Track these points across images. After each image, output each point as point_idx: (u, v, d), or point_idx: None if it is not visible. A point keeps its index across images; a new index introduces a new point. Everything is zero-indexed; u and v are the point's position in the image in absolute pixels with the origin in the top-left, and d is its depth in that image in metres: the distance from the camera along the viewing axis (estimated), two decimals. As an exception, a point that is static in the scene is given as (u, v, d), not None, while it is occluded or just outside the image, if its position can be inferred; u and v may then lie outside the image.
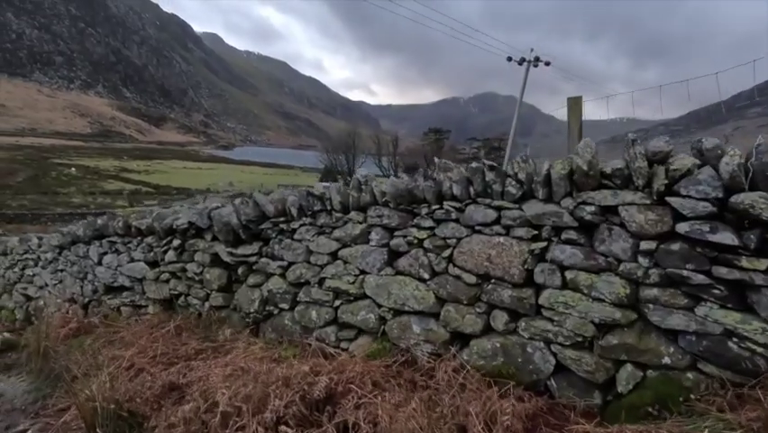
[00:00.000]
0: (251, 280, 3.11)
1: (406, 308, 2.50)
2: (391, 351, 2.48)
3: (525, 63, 15.95)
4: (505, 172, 2.24)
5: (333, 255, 2.77)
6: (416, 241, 2.49)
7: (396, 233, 2.58)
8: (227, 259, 3.20)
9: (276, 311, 3.00)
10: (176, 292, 3.54)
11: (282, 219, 2.94)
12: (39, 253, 4.77)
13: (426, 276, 2.46)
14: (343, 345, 2.71)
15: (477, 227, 2.29)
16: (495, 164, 2.26)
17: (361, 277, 2.66)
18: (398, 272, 2.57)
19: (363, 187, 2.69)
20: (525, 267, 2.13)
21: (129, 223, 3.79)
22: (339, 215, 2.76)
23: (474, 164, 2.34)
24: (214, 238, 3.29)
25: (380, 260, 2.61)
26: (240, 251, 3.11)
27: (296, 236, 2.90)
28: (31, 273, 4.90)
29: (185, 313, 3.48)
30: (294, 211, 2.87)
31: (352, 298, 2.69)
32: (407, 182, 2.53)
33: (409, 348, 2.44)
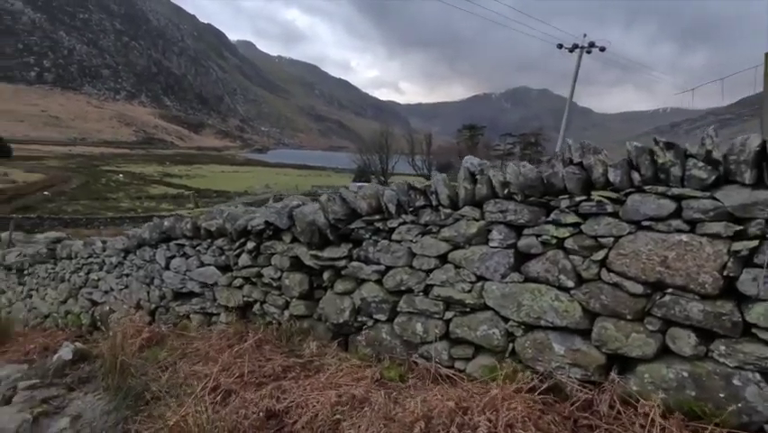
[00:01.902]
0: (340, 286, 2.74)
1: (543, 323, 2.04)
2: (525, 375, 2.04)
3: (578, 50, 14.99)
4: (685, 151, 1.74)
5: (442, 258, 2.36)
6: (553, 240, 2.03)
7: (525, 231, 2.12)
8: (310, 263, 2.85)
9: (370, 323, 2.62)
10: (250, 299, 3.24)
11: (377, 217, 2.55)
12: (103, 256, 4.64)
13: (570, 284, 1.99)
14: (458, 364, 2.29)
15: (644, 223, 1.81)
16: (672, 142, 1.76)
17: (480, 284, 2.23)
18: (529, 279, 2.12)
19: (478, 177, 2.26)
20: (724, 273, 1.63)
21: (198, 224, 3.53)
22: (448, 211, 2.34)
23: (636, 144, 1.86)
24: (294, 240, 2.96)
25: (505, 264, 2.16)
26: (326, 254, 2.75)
27: (394, 237, 2.50)
28: (96, 278, 4.78)
29: (261, 322, 3.16)
30: (392, 208, 2.48)
31: (467, 309, 2.26)
32: (540, 169, 2.08)
33: (551, 373, 1.98)
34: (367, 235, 2.60)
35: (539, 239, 2.07)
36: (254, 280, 3.21)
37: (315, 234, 2.76)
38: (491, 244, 2.21)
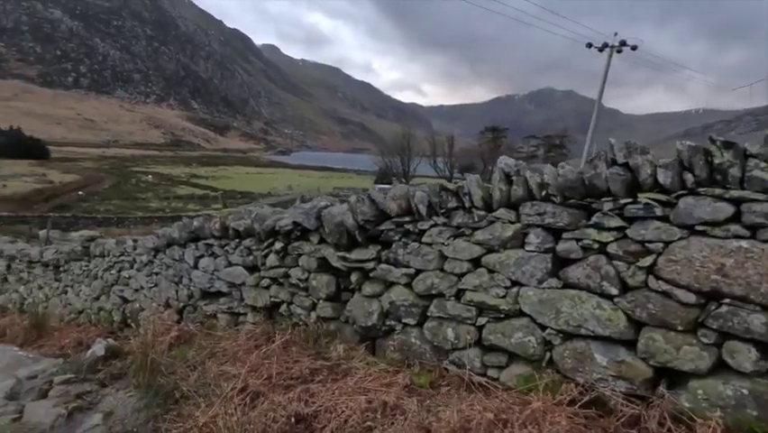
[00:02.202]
0: (368, 289, 2.69)
1: (583, 332, 1.94)
2: (563, 386, 1.94)
3: (608, 49, 14.54)
4: (745, 151, 1.62)
5: (475, 262, 2.28)
6: (595, 245, 1.93)
7: (564, 235, 2.03)
8: (337, 264, 2.82)
9: (399, 327, 2.56)
10: (277, 300, 3.23)
11: (407, 219, 2.49)
12: (134, 255, 4.74)
13: (613, 291, 1.88)
14: (491, 372, 2.20)
15: (698, 227, 1.69)
16: (731, 141, 1.64)
17: (515, 290, 2.14)
18: (569, 285, 2.02)
19: (514, 178, 2.17)
20: (791, 283, 1.50)
21: (226, 224, 3.55)
22: (481, 213, 2.26)
23: (688, 143, 1.74)
24: (322, 241, 2.93)
25: (542, 269, 2.07)
26: (354, 255, 2.71)
27: (425, 239, 2.43)
28: (127, 276, 4.89)
29: (288, 323, 3.15)
30: (422, 209, 2.41)
31: (502, 315, 2.17)
32: (581, 170, 1.98)
33: (593, 385, 1.88)
34: (396, 237, 2.55)
35: (579, 243, 1.97)
36: (281, 280, 3.19)
37: (343, 236, 2.72)
38: (528, 248, 2.12)
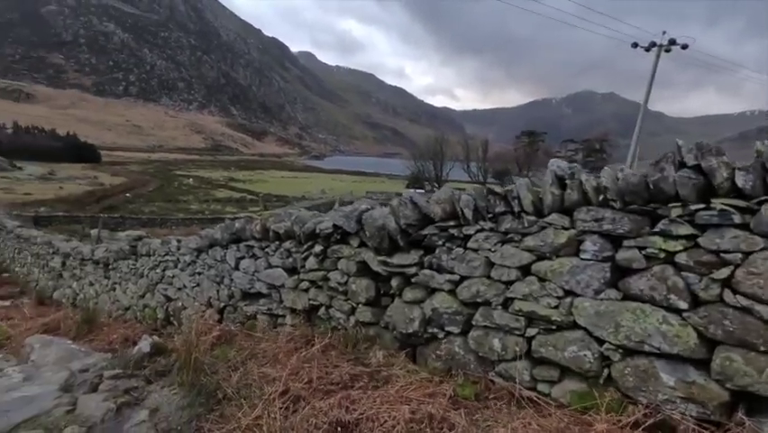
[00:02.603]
0: (409, 294, 2.63)
1: (647, 348, 1.79)
2: (623, 405, 1.79)
3: (656, 48, 13.84)
4: (844, 152, 1.44)
5: (524, 270, 2.16)
6: (661, 254, 1.78)
7: (625, 242, 1.89)
8: (377, 269, 2.77)
9: (441, 335, 2.47)
10: (316, 303, 3.21)
11: (452, 223, 2.41)
12: (178, 255, 4.89)
13: (682, 305, 1.73)
14: (542, 387, 2.08)
15: (785, 237, 1.52)
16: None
17: (569, 300, 2.01)
18: (630, 297, 1.87)
19: (568, 182, 2.05)
20: None
21: (267, 226, 3.59)
22: (531, 218, 2.15)
23: (772, 143, 1.57)
24: (362, 244, 2.89)
25: (599, 278, 1.93)
26: (395, 260, 2.65)
27: (470, 244, 2.34)
28: (170, 275, 5.05)
29: (326, 327, 3.13)
30: (468, 213, 2.33)
31: (553, 327, 2.05)
32: (645, 173, 1.83)
33: (658, 407, 1.73)
34: (440, 242, 2.47)
35: (643, 252, 1.83)
36: (320, 283, 3.18)
37: (384, 240, 2.67)
38: (583, 256, 1.99)
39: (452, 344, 2.43)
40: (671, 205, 1.78)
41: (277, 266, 3.53)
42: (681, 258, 1.74)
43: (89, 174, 66.83)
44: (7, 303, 8.35)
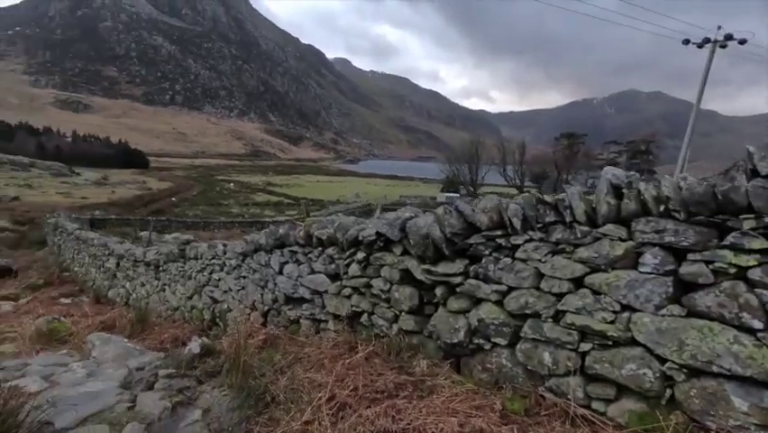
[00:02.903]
0: (454, 304, 2.60)
1: (715, 369, 1.67)
2: (689, 429, 1.69)
3: (710, 44, 13.04)
4: None
5: (577, 282, 2.09)
6: (731, 270, 1.66)
7: (689, 256, 1.78)
8: (421, 277, 2.76)
9: (488, 346, 2.43)
10: (359, 309, 3.24)
11: (499, 233, 2.37)
12: (224, 259, 5.08)
13: (756, 324, 1.61)
14: (596, 405, 1.99)
15: None
16: None
17: (626, 315, 1.92)
18: (695, 314, 1.77)
19: (625, 191, 1.96)
20: None
21: (310, 233, 3.66)
22: (585, 228, 2.07)
23: None
24: (405, 252, 2.89)
25: (661, 293, 1.84)
26: (440, 269, 2.63)
27: (518, 255, 2.29)
28: (217, 278, 5.25)
29: (369, 334, 3.15)
30: (516, 223, 2.28)
31: (609, 342, 1.96)
32: (713, 183, 1.73)
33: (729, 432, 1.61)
34: (487, 252, 2.43)
35: (710, 267, 1.72)
36: (363, 290, 3.21)
37: (428, 248, 2.66)
38: (642, 270, 1.90)
39: (499, 356, 2.38)
40: (742, 217, 1.66)
41: (320, 272, 3.59)
42: (755, 274, 1.62)
43: (138, 179, 70.80)
44: (68, 301, 8.97)
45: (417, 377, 2.55)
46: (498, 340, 2.37)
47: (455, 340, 2.56)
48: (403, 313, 2.91)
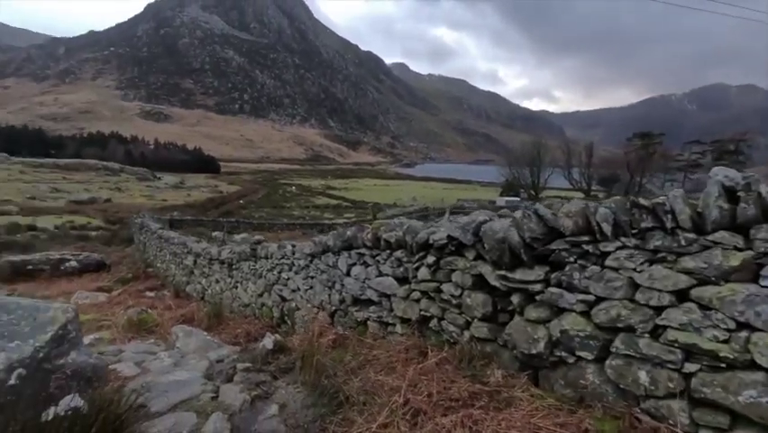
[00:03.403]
0: (532, 313, 2.46)
1: None
2: (829, 473, 1.44)
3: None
4: None
5: (680, 295, 1.88)
6: None
7: (828, 269, 1.53)
8: (495, 283, 2.65)
9: (571, 360, 2.27)
10: (427, 314, 3.19)
11: (586, 239, 2.21)
12: (293, 259, 5.26)
13: None
14: (705, 434, 1.78)
15: None
16: None
17: (743, 334, 1.70)
18: (836, 337, 1.51)
19: (742, 195, 1.74)
20: None
21: (378, 235, 3.68)
22: (690, 236, 1.86)
23: None
24: (478, 257, 2.80)
25: (789, 311, 1.60)
26: (517, 275, 2.51)
27: (608, 263, 2.12)
28: (285, 277, 5.46)
29: (438, 340, 3.09)
30: (606, 228, 2.11)
31: (722, 364, 1.74)
32: None
33: None
34: (571, 259, 2.27)
35: None
36: (432, 295, 3.15)
37: (504, 254, 2.55)
38: (764, 283, 1.67)
39: (585, 371, 2.21)
40: None
41: (387, 274, 3.59)
42: None
43: (211, 183, 76.15)
44: (152, 294, 9.82)
45: (492, 387, 2.45)
46: (583, 354, 2.21)
47: (534, 351, 2.43)
48: (475, 320, 2.82)
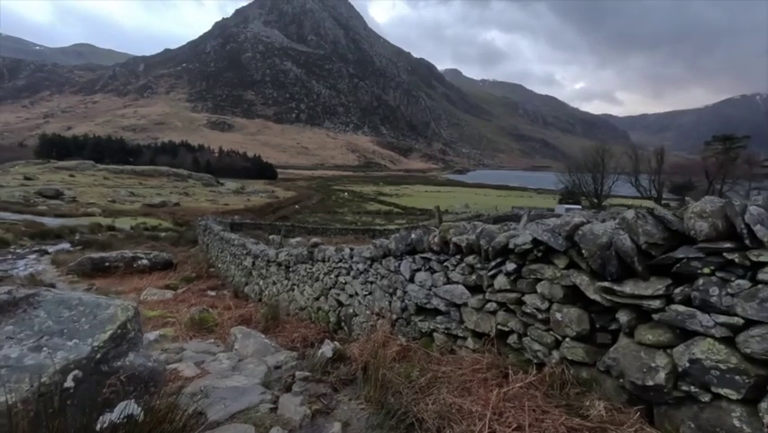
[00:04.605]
0: (647, 335, 2.02)
1: None
2: None
3: None
4: None
5: None
6: None
7: None
8: (594, 296, 2.23)
9: (705, 397, 1.81)
10: (506, 329, 2.81)
11: (728, 246, 1.75)
12: (351, 263, 5.06)
13: None
14: None
15: None
16: None
17: None
18: None
19: None
20: None
21: (447, 238, 3.35)
22: None
23: None
24: (571, 265, 2.39)
25: None
26: (627, 288, 2.08)
27: (762, 276, 1.65)
28: (343, 281, 5.27)
29: (518, 358, 2.70)
30: (760, 232, 1.64)
31: None
32: None
33: None
34: (706, 270, 1.82)
35: None
36: (512, 307, 2.77)
37: (609, 262, 2.13)
38: None
39: (727, 413, 1.74)
40: None
41: (457, 282, 3.25)
42: None
43: (268, 189, 79.51)
44: (213, 293, 10.11)
45: (595, 423, 2.03)
46: (725, 391, 1.74)
47: (650, 382, 1.98)
48: (567, 339, 2.40)
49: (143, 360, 1.89)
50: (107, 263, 13.91)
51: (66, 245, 20.55)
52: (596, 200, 58.53)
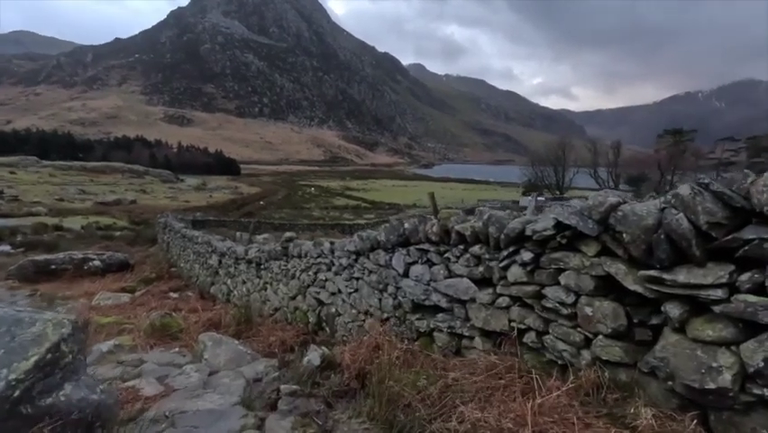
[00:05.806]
0: (706, 330, 1.74)
1: None
2: None
3: None
4: None
5: None
6: None
7: None
8: (635, 287, 1.93)
9: (783, 402, 1.54)
10: (522, 326, 2.49)
11: (815, 223, 1.48)
12: (332, 258, 4.63)
13: None
14: None
15: None
16: None
17: None
18: None
19: None
20: None
21: (447, 227, 3.00)
22: None
23: None
24: (603, 252, 2.09)
25: None
26: (680, 277, 1.78)
27: None
28: (323, 278, 4.83)
29: (538, 359, 2.39)
30: None
31: None
32: None
33: None
34: (785, 253, 1.54)
35: None
36: (529, 301, 2.45)
37: (659, 247, 1.83)
38: None
39: (814, 421, 1.48)
40: None
41: (461, 275, 2.90)
42: None
43: (232, 185, 76.87)
44: (176, 295, 9.35)
45: (645, 435, 1.73)
46: (810, 395, 1.48)
47: (711, 385, 1.70)
48: (601, 336, 2.10)
49: (86, 392, 1.40)
50: (53, 266, 12.69)
51: (6, 248, 18.74)
52: (558, 192, 60.45)
